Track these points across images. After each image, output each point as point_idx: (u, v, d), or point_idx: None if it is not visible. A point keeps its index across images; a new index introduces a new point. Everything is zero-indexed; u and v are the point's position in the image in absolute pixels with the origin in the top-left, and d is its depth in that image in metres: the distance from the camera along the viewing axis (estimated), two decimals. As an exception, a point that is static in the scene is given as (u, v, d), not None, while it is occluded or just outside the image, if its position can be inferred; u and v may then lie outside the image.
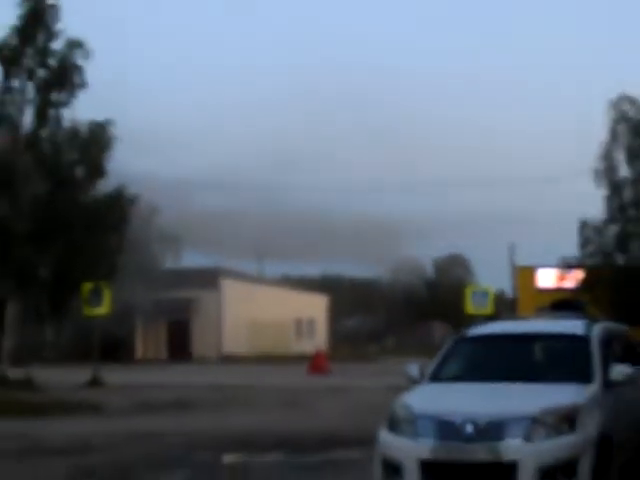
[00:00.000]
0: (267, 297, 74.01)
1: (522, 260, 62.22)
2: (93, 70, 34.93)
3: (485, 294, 41.93)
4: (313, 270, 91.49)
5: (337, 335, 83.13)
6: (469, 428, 9.98)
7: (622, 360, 11.92)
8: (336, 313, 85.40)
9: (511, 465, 9.79)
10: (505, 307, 55.49)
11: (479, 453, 9.89)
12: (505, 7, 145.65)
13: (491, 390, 10.92)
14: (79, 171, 34.80)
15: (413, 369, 12.12)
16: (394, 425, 10.46)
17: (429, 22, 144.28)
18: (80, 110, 34.98)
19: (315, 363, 50.18)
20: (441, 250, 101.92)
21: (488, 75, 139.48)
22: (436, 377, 11.63)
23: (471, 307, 40.34)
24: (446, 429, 10.06)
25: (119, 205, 35.41)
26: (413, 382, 11.69)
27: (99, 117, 34.64)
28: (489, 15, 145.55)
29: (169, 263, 67.14)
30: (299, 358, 59.00)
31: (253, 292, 72.52)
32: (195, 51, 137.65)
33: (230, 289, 70.06)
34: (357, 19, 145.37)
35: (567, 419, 10.06)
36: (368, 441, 11.36)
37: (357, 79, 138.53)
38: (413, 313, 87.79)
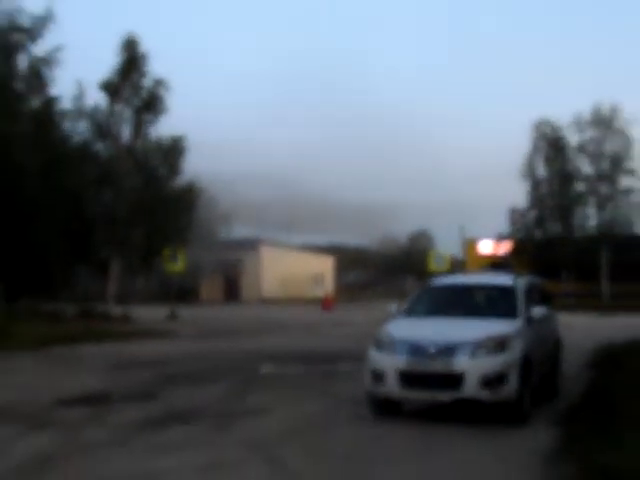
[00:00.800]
0: (292, 258, 73.97)
1: (469, 234, 61.94)
2: (172, 98, 35.14)
3: (442, 257, 41.83)
4: (323, 239, 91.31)
5: (340, 285, 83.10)
6: (432, 349, 9.96)
7: (538, 303, 11.92)
8: (339, 270, 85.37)
9: (460, 375, 9.78)
10: (457, 267, 55.43)
11: (438, 366, 9.88)
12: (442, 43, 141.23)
13: (447, 323, 10.91)
14: (162, 171, 34.77)
15: (393, 307, 12.14)
16: (379, 346, 10.45)
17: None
18: (163, 127, 35.13)
19: (325, 303, 50.24)
20: (413, 227, 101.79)
21: (445, 99, 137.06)
22: (409, 313, 11.62)
23: (433, 266, 40.23)
24: (415, 349, 10.05)
25: (189, 195, 35.47)
26: (393, 316, 11.69)
27: (176, 132, 34.76)
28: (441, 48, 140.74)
29: (224, 234, 67.07)
30: (314, 300, 59.06)
31: (282, 255, 72.47)
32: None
33: (266, 253, 70.01)
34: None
35: (500, 344, 10.04)
36: (361, 357, 11.33)
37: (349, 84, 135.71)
38: (393, 271, 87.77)
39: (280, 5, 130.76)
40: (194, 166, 36.04)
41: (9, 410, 11.28)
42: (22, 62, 27.26)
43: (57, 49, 27.73)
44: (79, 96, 32.30)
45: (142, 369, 16.30)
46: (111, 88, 33.91)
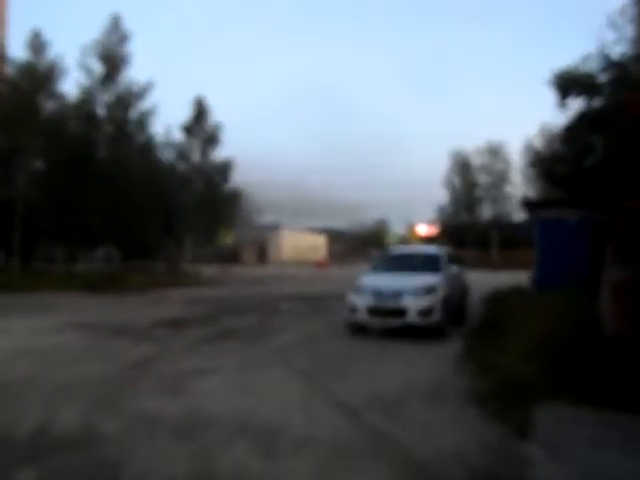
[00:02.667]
0: (301, 237, 73.81)
1: (412, 220, 61.67)
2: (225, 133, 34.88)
3: (395, 235, 41.85)
4: (319, 224, 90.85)
5: (330, 253, 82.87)
6: (388, 292, 10.02)
7: (453, 263, 11.96)
8: (330, 244, 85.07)
9: (405, 309, 9.85)
10: (404, 241, 55.35)
11: (392, 304, 9.94)
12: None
13: (397, 276, 10.90)
14: (217, 178, 34.54)
15: (364, 267, 12.18)
16: (355, 290, 10.48)
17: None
18: (219, 152, 34.97)
19: (321, 265, 50.22)
20: (377, 216, 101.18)
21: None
22: (374, 270, 11.62)
23: (389, 241, 40.20)
24: (378, 293, 10.10)
25: (235, 194, 35.24)
26: (363, 273, 11.71)
27: (228, 154, 34.67)
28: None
29: (259, 220, 66.81)
30: (312, 263, 58.93)
31: (295, 234, 72.24)
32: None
33: (285, 232, 69.83)
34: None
35: (430, 289, 10.09)
36: (343, 297, 11.40)
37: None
38: (364, 244, 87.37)
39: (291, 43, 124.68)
40: (238, 176, 35.94)
41: (123, 329, 11.36)
42: (133, 113, 27.61)
43: (155, 104, 28.18)
44: (168, 134, 32.39)
45: (205, 304, 16.37)
46: (187, 129, 33.89)
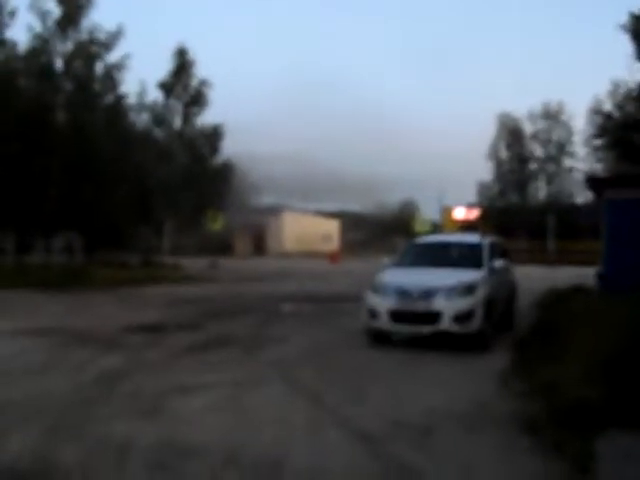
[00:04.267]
0: (307, 221, 73.84)
1: (446, 202, 61.52)
2: (213, 94, 34.97)
3: (426, 221, 41.86)
4: (331, 206, 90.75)
5: (344, 242, 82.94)
6: (415, 292, 10.02)
7: (499, 257, 11.93)
8: (344, 230, 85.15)
9: (437, 313, 9.85)
10: (436, 228, 55.27)
11: (420, 306, 9.95)
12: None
13: (428, 272, 10.92)
14: (205, 150, 34.61)
15: (385, 260, 12.18)
16: (375, 290, 10.50)
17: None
18: (206, 117, 35.02)
19: (332, 257, 50.27)
20: (402, 197, 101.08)
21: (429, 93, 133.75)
22: (398, 265, 11.64)
23: (417, 228, 40.23)
24: (402, 292, 10.11)
25: (226, 169, 35.31)
26: (385, 267, 11.73)
27: (215, 121, 34.72)
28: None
29: (254, 201, 66.94)
30: (324, 254, 59.08)
31: (300, 219, 72.30)
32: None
33: (287, 217, 69.94)
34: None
35: (469, 288, 10.09)
36: (360, 299, 11.42)
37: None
38: (385, 231, 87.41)
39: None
40: (229, 147, 35.98)
41: (88, 336, 11.45)
42: (99, 68, 27.56)
43: (125, 57, 27.87)
44: (141, 94, 32.36)
45: (189, 305, 16.49)
46: (166, 87, 33.93)
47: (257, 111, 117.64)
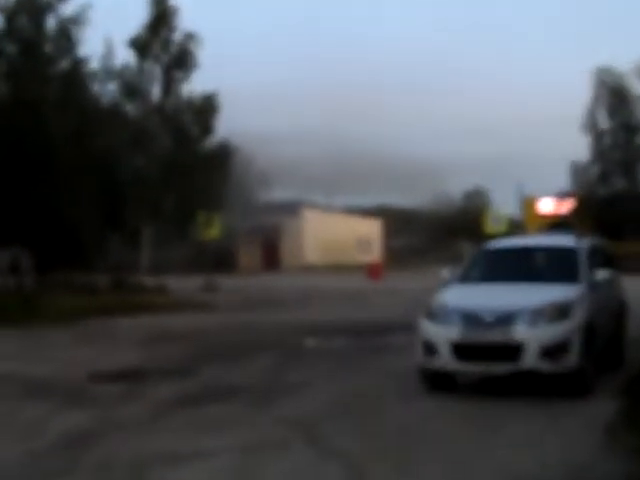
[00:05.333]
0: (335, 222, 73.87)
1: (528, 192, 61.25)
2: (204, 53, 35.18)
3: (500, 218, 41.73)
4: (370, 201, 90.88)
5: (389, 250, 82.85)
6: (488, 317, 10.01)
7: (602, 266, 11.85)
8: (387, 234, 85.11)
9: (519, 345, 9.81)
10: (515, 228, 54.91)
11: (495, 336, 9.93)
12: None
13: (504, 289, 10.92)
14: (194, 130, 34.87)
15: (445, 274, 12.15)
16: (431, 316, 10.50)
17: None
18: (194, 84, 35.19)
19: (372, 271, 50.15)
20: (467, 185, 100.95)
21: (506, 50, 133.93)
22: (463, 279, 11.63)
23: (489, 228, 40.11)
24: (470, 318, 10.10)
25: (224, 155, 35.53)
26: (445, 283, 11.71)
27: (209, 88, 34.83)
28: None
29: (262, 197, 67.10)
30: (360, 267, 58.99)
31: (325, 219, 72.43)
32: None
33: (308, 216, 70.07)
34: None
35: (561, 310, 10.04)
36: (411, 329, 11.42)
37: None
38: (446, 234, 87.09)
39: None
40: (228, 124, 36.12)
41: (45, 386, 11.57)
42: (50, 23, 27.66)
43: (85, 8, 28.01)
44: (107, 55, 32.41)
45: (178, 343, 16.58)
46: (140, 45, 33.98)
47: (264, 77, 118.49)
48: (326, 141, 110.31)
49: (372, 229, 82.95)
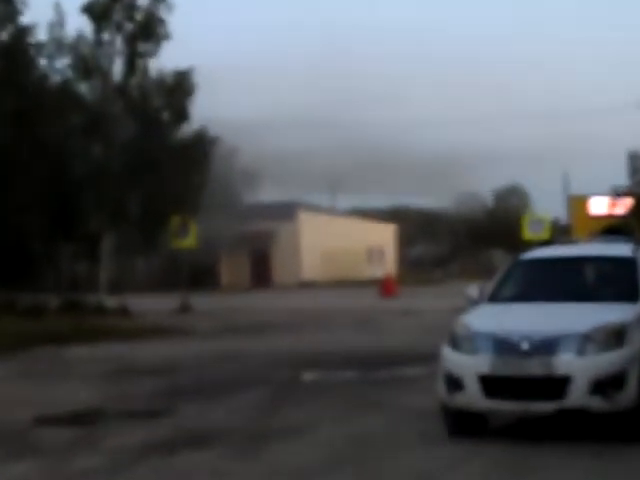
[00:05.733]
0: (340, 228, 74.00)
1: (575, 189, 61.35)
2: (175, 21, 35.17)
3: (541, 222, 41.70)
4: (382, 202, 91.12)
5: (405, 262, 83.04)
6: (525, 344, 9.99)
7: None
8: (403, 242, 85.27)
9: (564, 379, 9.80)
10: (560, 233, 54.91)
11: (534, 368, 9.91)
12: None
13: (545, 309, 10.90)
14: (165, 115, 34.96)
15: (473, 291, 12.12)
16: (455, 343, 10.48)
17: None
18: (165, 59, 35.20)
19: (385, 287, 50.21)
20: (500, 181, 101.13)
21: (541, 16, 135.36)
22: (494, 298, 11.61)
23: (528, 234, 40.12)
24: (503, 346, 10.07)
25: (201, 146, 35.58)
26: (473, 303, 11.70)
27: (183, 65, 34.83)
28: None
29: (249, 198, 67.17)
30: (370, 283, 58.99)
31: (327, 223, 72.58)
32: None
33: (306, 221, 70.23)
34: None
35: (617, 336, 10.03)
36: (432, 358, 11.42)
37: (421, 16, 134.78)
38: (474, 241, 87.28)
39: None
40: (206, 109, 36.17)
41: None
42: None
43: None
44: (58, 24, 32.56)
45: (146, 377, 16.57)
46: (97, 11, 34.01)
47: (251, 51, 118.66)
48: (328, 129, 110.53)
49: (385, 236, 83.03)
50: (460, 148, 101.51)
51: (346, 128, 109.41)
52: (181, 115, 34.88)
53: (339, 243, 71.52)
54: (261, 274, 67.12)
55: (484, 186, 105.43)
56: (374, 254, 78.83)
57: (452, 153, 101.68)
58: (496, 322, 10.56)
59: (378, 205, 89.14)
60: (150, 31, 34.42)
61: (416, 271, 76.85)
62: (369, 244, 78.33)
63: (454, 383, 10.31)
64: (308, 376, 16.48)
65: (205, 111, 36.05)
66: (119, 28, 34.40)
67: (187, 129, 35.52)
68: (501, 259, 71.47)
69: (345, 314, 33.54)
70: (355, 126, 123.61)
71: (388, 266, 76.21)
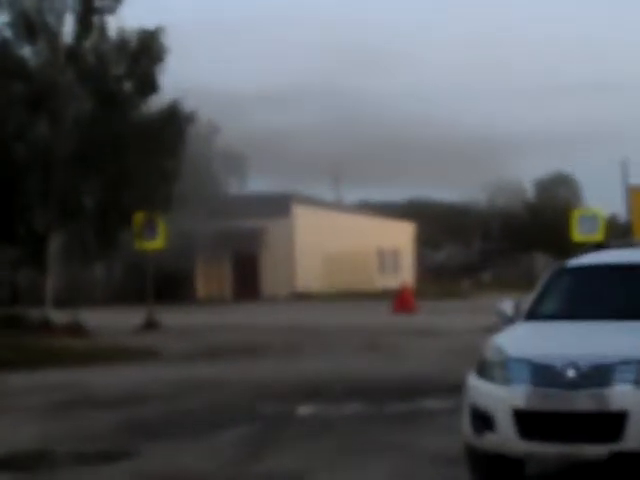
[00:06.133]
0: (345, 226, 74.06)
1: (637, 178, 61.46)
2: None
3: (594, 218, 41.68)
4: (397, 195, 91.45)
5: (425, 269, 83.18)
6: (570, 373, 9.97)
7: None
8: (424, 244, 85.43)
9: (620, 415, 9.78)
10: (617, 233, 54.97)
11: (582, 401, 9.89)
12: None
13: (596, 329, 10.88)
14: (128, 86, 34.98)
15: (507, 306, 12.13)
16: (484, 370, 10.48)
17: None
18: (128, 16, 35.22)
19: (400, 300, 50.23)
20: (544, 169, 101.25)
21: None
22: (533, 315, 11.61)
23: (578, 234, 40.13)
24: (544, 374, 10.05)
25: (174, 123, 35.52)
26: (507, 321, 11.70)
27: (149, 25, 34.85)
28: None
29: (233, 189, 67.35)
30: (382, 295, 59.07)
31: (329, 220, 72.62)
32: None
33: (303, 217, 70.19)
34: None
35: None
36: (457, 390, 11.43)
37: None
38: (512, 242, 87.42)
39: None
40: (182, 78, 36.25)
41: None
42: None
43: None
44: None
45: (102, 411, 16.59)
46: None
47: (235, 9, 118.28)
48: (329, 105, 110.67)
49: (401, 237, 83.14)
50: (495, 127, 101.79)
51: (350, 102, 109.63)
52: (148, 85, 34.91)
53: (344, 245, 71.70)
54: (247, 283, 67.16)
55: (524, 175, 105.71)
56: (387, 259, 79.02)
57: (485, 133, 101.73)
58: (535, 345, 10.55)
59: (393, 198, 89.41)
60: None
61: (439, 280, 77.01)
62: (381, 247, 78.53)
63: (483, 420, 10.30)
64: (303, 410, 16.53)
65: (178, 81, 36.17)
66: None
67: (155, 103, 35.58)
68: (544, 266, 71.60)
69: (351, 334, 33.62)
70: (361, 99, 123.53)
71: (404, 274, 76.35)
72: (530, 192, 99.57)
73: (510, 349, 10.51)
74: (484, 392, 10.35)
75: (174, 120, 35.46)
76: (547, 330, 11.16)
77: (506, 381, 10.20)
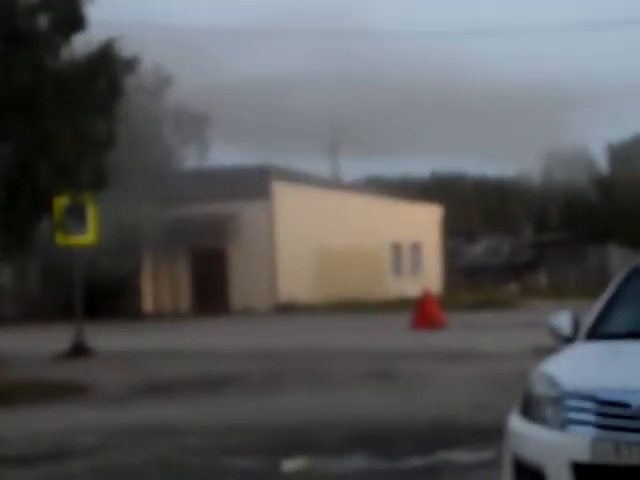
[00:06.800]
0: (346, 211, 73.92)
1: None
2: None
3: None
4: (417, 169, 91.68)
5: (457, 269, 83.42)
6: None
7: None
8: (455, 234, 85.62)
9: None
10: None
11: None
12: None
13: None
14: (43, 21, 35.12)
15: (563, 320, 12.15)
16: (532, 409, 10.53)
17: None
18: None
19: (422, 313, 50.46)
20: (619, 132, 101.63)
21: None
22: (598, 332, 11.65)
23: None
24: (614, 415, 10.12)
25: (107, 71, 35.64)
26: (563, 341, 11.74)
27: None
28: None
29: (191, 162, 67.53)
30: (397, 306, 59.30)
31: (323, 203, 72.43)
32: None
33: (287, 199, 69.90)
34: None
35: None
36: (495, 435, 11.51)
37: None
38: (577, 232, 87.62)
39: None
40: (118, 10, 36.41)
41: None
42: None
43: None
44: None
45: (11, 470, 16.63)
46: None
47: None
48: (322, 47, 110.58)
49: (423, 225, 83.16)
50: (549, 75, 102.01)
51: (352, 42, 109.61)
52: (70, 21, 35.03)
53: (344, 237, 71.72)
54: (210, 291, 67.17)
55: (592, 140, 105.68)
56: (404, 256, 79.16)
57: (536, 84, 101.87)
58: (601, 375, 10.57)
59: (410, 173, 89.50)
60: None
61: (475, 285, 77.12)
62: (396, 239, 78.56)
63: (530, 476, 10.37)
64: (290, 465, 16.62)
65: (113, 14, 36.35)
66: None
67: (82, 45, 35.69)
68: (620, 264, 71.75)
69: (353, 359, 33.81)
70: (366, 39, 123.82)
71: (428, 277, 76.47)
72: (602, 163, 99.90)
73: (567, 380, 10.51)
74: (532, 439, 10.39)
75: (107, 68, 35.56)
76: (617, 353, 11.19)
77: (562, 424, 10.24)
